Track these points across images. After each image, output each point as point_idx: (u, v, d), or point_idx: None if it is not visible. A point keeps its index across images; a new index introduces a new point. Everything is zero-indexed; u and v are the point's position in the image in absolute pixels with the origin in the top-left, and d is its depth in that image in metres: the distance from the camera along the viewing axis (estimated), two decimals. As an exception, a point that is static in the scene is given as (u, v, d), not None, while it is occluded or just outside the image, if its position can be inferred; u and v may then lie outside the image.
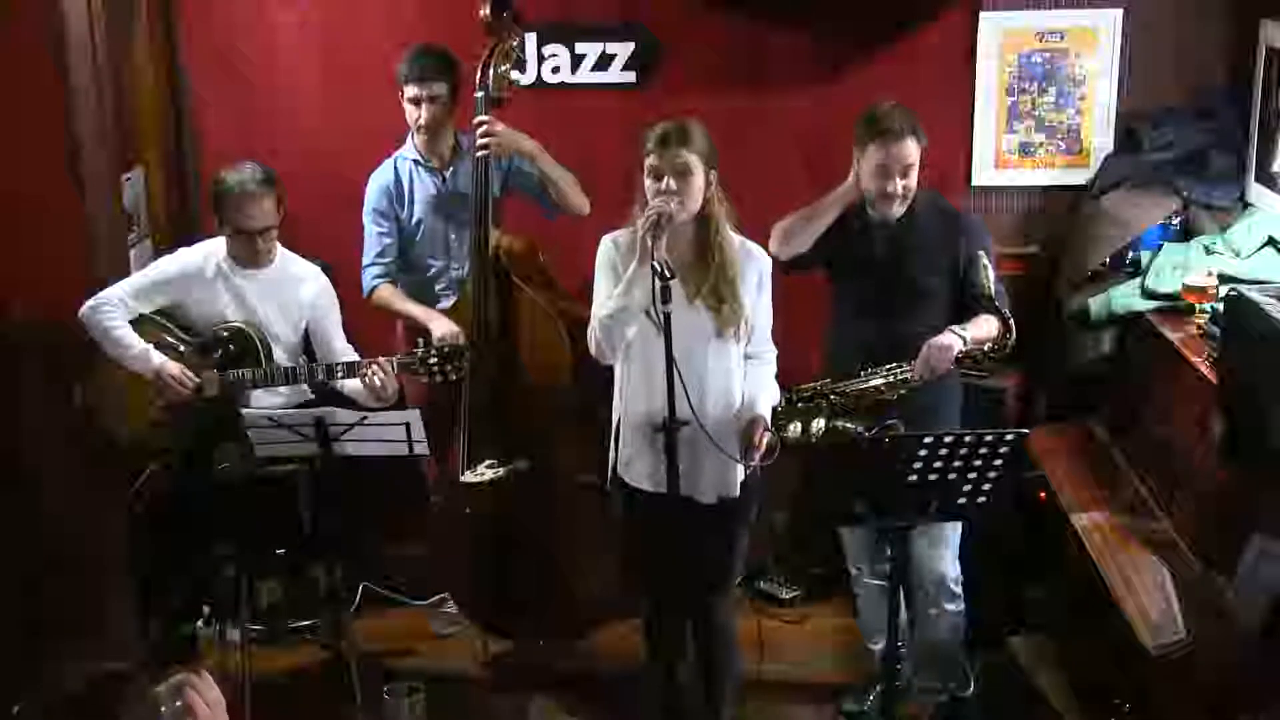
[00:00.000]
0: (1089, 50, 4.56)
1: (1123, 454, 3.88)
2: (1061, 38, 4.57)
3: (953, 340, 3.54)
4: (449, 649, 4.45)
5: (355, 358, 4.02)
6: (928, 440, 3.00)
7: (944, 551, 3.79)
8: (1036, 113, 4.64)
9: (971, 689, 4.06)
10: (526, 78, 4.63)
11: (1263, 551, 2.97)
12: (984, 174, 4.69)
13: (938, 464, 3.01)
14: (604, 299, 3.35)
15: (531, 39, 4.63)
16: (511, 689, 4.18)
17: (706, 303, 3.35)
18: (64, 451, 4.10)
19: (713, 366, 3.37)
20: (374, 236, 4.24)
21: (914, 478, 3.02)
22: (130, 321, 3.91)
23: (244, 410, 3.77)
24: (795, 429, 3.53)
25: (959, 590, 3.84)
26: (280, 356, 4.00)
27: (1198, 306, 3.73)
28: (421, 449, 3.68)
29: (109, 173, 4.29)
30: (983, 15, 4.57)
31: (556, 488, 4.16)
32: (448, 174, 4.25)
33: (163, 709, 2.15)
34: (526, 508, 4.16)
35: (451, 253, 4.27)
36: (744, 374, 3.44)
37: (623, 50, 4.70)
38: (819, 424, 3.65)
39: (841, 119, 4.16)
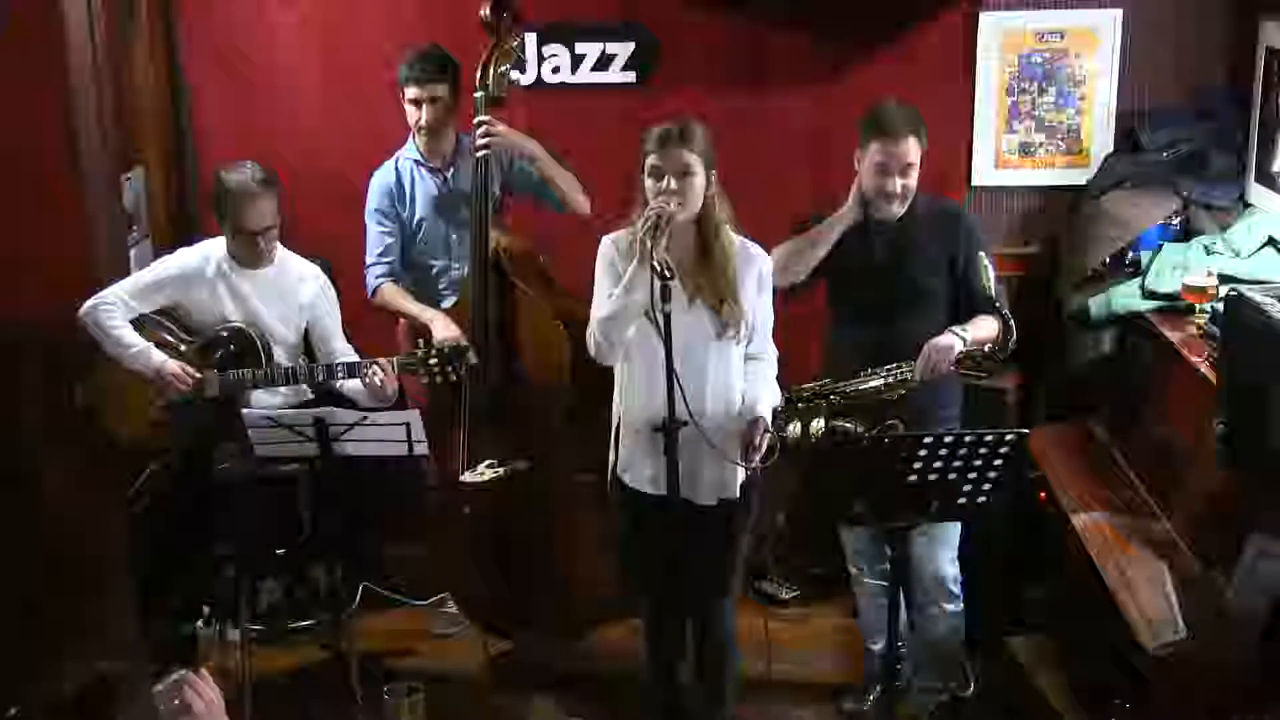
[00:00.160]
0: (1089, 50, 4.56)
1: (1123, 454, 3.88)
2: (1061, 38, 4.57)
3: (953, 341, 3.54)
4: (449, 649, 4.45)
5: (355, 358, 4.02)
6: (928, 440, 3.00)
7: (944, 551, 3.79)
8: (1036, 113, 4.64)
9: (971, 689, 4.06)
10: (526, 78, 4.64)
11: (1262, 551, 2.97)
12: (984, 174, 4.69)
13: (938, 464, 3.01)
14: (604, 299, 3.35)
15: (531, 39, 4.64)
16: (511, 689, 4.18)
17: (706, 303, 3.35)
18: (64, 451, 4.10)
19: (713, 367, 3.37)
20: (376, 236, 4.25)
21: (914, 478, 3.02)
22: (130, 321, 3.91)
23: (244, 410, 3.76)
24: (795, 429, 3.53)
25: (959, 590, 3.84)
26: (280, 356, 4.00)
27: (1198, 306, 3.73)
28: (421, 449, 3.67)
29: (109, 173, 4.29)
30: (983, 15, 4.57)
31: (556, 488, 4.16)
32: (449, 174, 4.25)
33: (161, 707, 2.15)
34: (526, 508, 4.16)
35: (452, 252, 4.27)
36: (745, 375, 3.44)
37: (623, 50, 4.70)
38: (819, 424, 3.64)
39: (841, 119, 4.17)
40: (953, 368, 3.57)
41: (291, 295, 4.04)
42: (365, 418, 3.66)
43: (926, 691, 4.00)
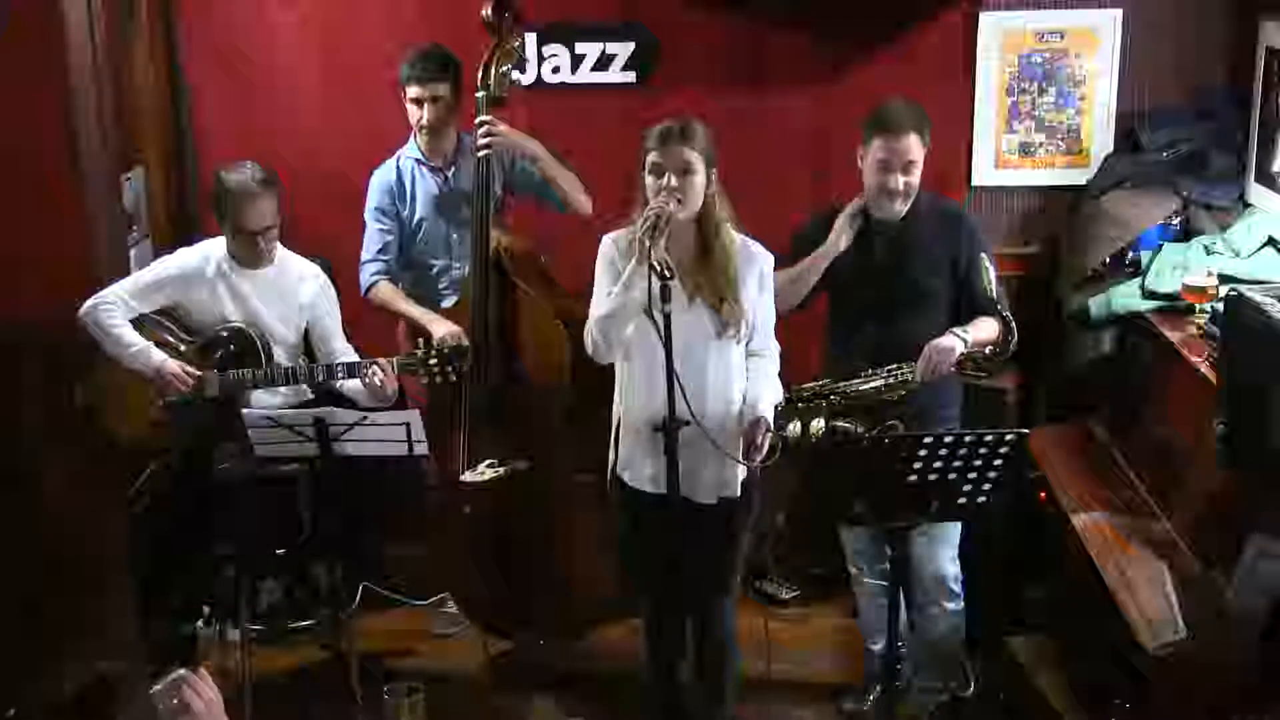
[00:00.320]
0: (1089, 50, 4.56)
1: (1123, 454, 3.88)
2: (1061, 38, 4.57)
3: (954, 342, 3.54)
4: (449, 649, 4.45)
5: (355, 358, 4.02)
6: (928, 440, 3.00)
7: (944, 551, 3.79)
8: (1036, 113, 4.64)
9: (971, 689, 4.06)
10: (527, 78, 4.64)
11: (1262, 551, 2.97)
12: (984, 174, 4.69)
13: (938, 464, 3.01)
14: (603, 298, 3.34)
15: (531, 39, 4.63)
16: (511, 689, 4.18)
17: (706, 302, 3.35)
18: (64, 451, 4.10)
19: (713, 366, 3.37)
20: (375, 234, 4.25)
21: (914, 478, 3.02)
22: (130, 321, 3.91)
23: (244, 410, 3.76)
24: (795, 429, 3.53)
25: (959, 590, 3.84)
26: (280, 356, 4.00)
27: (1198, 306, 3.73)
28: (421, 449, 3.67)
29: (109, 173, 4.29)
30: (983, 15, 4.57)
31: (556, 487, 4.16)
32: (450, 174, 4.25)
33: (160, 706, 2.15)
34: (526, 507, 4.16)
35: (453, 252, 4.28)
36: (746, 373, 3.44)
37: (623, 50, 4.70)
38: (819, 424, 3.64)
39: (841, 119, 4.18)
40: (953, 369, 3.57)
41: (291, 295, 4.04)
42: (365, 418, 3.66)
43: (926, 691, 4.00)
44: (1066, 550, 3.74)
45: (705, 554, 3.43)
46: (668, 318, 3.13)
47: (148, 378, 3.87)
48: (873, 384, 3.64)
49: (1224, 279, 3.77)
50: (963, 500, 3.10)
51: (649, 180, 3.29)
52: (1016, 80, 4.62)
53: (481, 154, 4.04)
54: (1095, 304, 4.15)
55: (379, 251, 4.24)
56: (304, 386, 4.07)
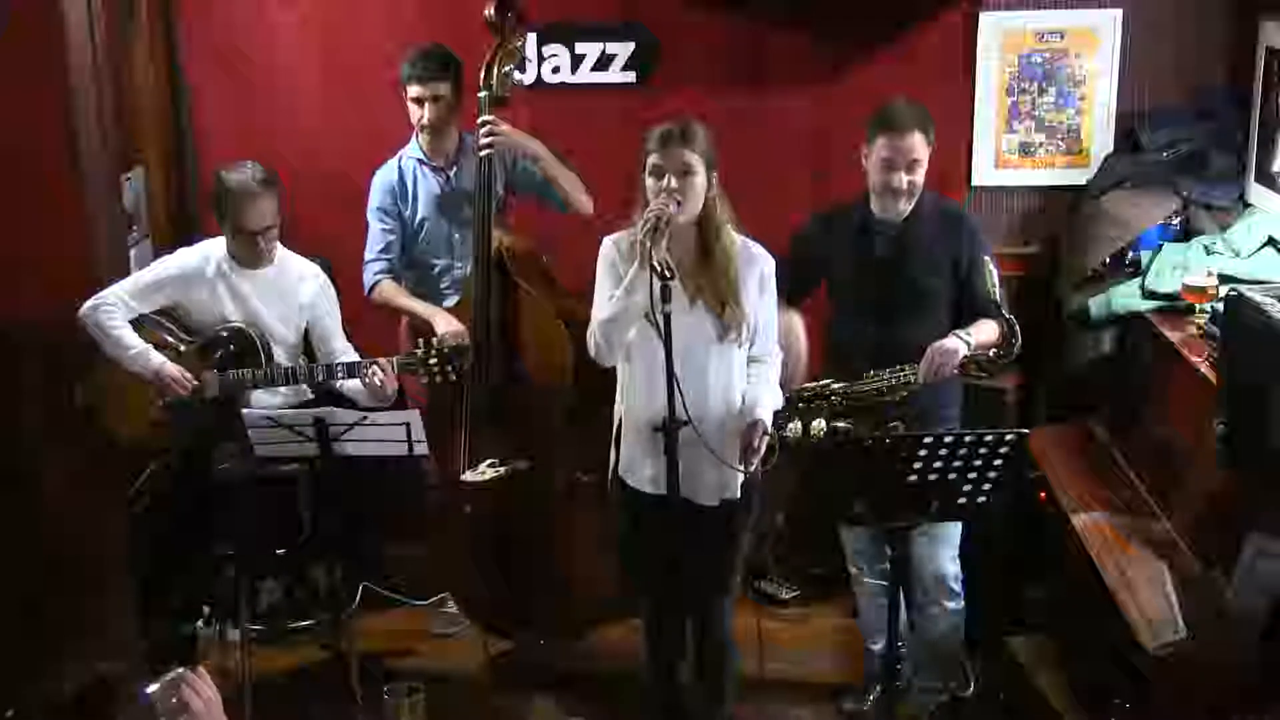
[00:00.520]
0: (1089, 50, 4.56)
1: (1123, 454, 3.88)
2: (1061, 38, 4.57)
3: (957, 345, 3.54)
4: (449, 649, 4.45)
5: (355, 358, 4.02)
6: (928, 440, 3.00)
7: (944, 550, 3.79)
8: (1036, 113, 4.64)
9: (971, 689, 4.06)
10: (527, 77, 4.64)
11: (1261, 551, 2.97)
12: (984, 174, 4.69)
13: (938, 464, 3.01)
14: (604, 301, 3.34)
15: (531, 39, 4.63)
16: (511, 689, 4.18)
17: (708, 305, 3.35)
18: (64, 451, 4.10)
19: (713, 369, 3.36)
20: (377, 233, 4.25)
21: (914, 478, 3.02)
22: (130, 322, 3.90)
23: (244, 410, 3.76)
24: (795, 429, 3.53)
25: (959, 589, 3.84)
26: (280, 356, 4.00)
27: (1198, 306, 3.73)
28: (421, 449, 3.67)
29: (109, 173, 4.29)
30: (983, 15, 4.57)
31: (557, 487, 4.16)
32: (451, 173, 4.25)
33: (158, 706, 2.15)
34: (527, 507, 4.16)
35: (454, 252, 4.28)
36: (747, 377, 3.43)
37: (623, 50, 4.70)
38: (819, 424, 3.64)
39: (841, 119, 4.18)
40: (956, 371, 3.57)
41: (291, 295, 4.04)
42: (365, 418, 3.66)
43: (926, 691, 4.00)
44: (1066, 550, 3.74)
45: (705, 554, 3.43)
46: (668, 319, 3.12)
47: (147, 380, 3.87)
48: (875, 385, 3.64)
49: (1224, 279, 3.77)
50: (963, 500, 3.10)
51: (649, 182, 3.29)
52: (1016, 80, 4.62)
53: (483, 154, 4.04)
54: (1095, 304, 4.15)
55: (382, 250, 4.24)
56: (304, 386, 4.07)
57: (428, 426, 3.65)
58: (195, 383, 3.86)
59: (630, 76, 4.72)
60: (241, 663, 4.00)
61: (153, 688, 2.17)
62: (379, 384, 3.82)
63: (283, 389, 4.02)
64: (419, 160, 4.26)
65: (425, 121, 4.17)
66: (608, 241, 3.42)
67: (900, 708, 3.87)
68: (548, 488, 4.15)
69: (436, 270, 4.30)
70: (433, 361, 3.83)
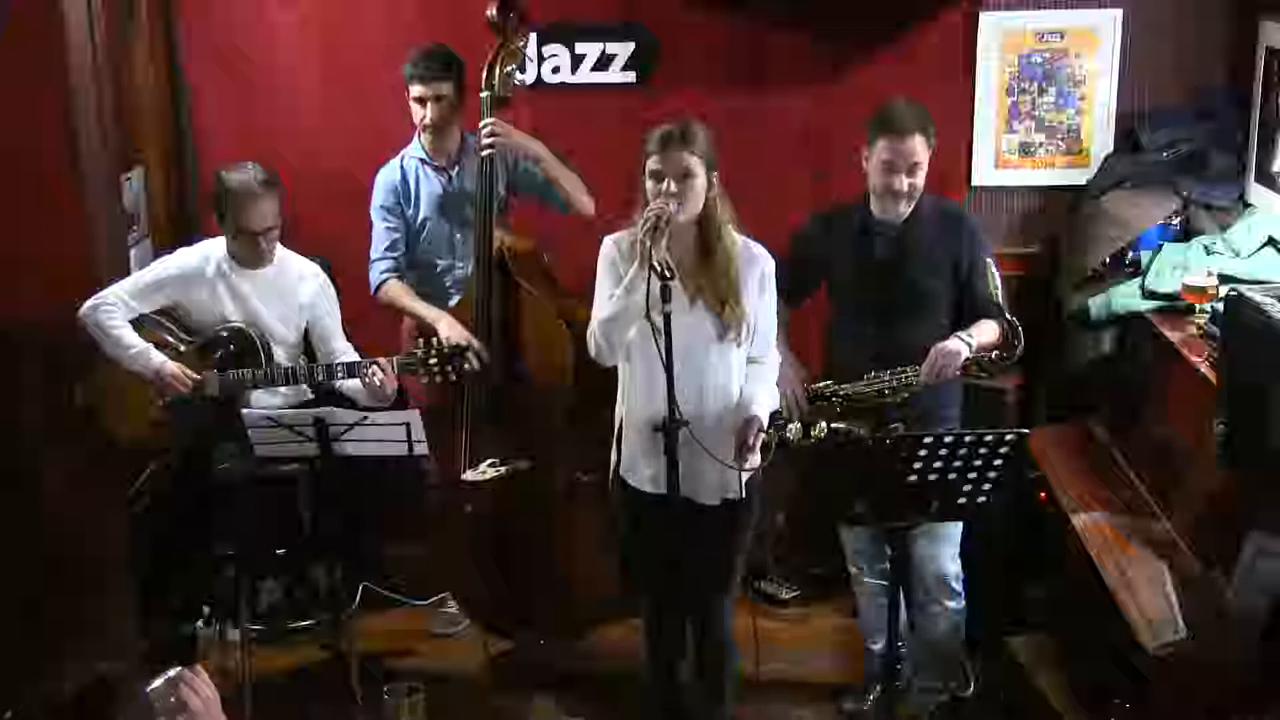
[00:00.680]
0: (1089, 50, 4.56)
1: (1123, 454, 3.88)
2: (1061, 38, 4.57)
3: (960, 346, 3.54)
4: (449, 649, 4.45)
5: (355, 357, 4.02)
6: (928, 440, 3.00)
7: (944, 550, 3.79)
8: (1036, 113, 4.64)
9: (971, 689, 4.06)
10: (527, 77, 4.64)
11: (1261, 550, 2.96)
12: (984, 174, 4.69)
13: (938, 464, 3.01)
14: (605, 300, 3.34)
15: (531, 39, 4.62)
16: (511, 689, 4.18)
17: (708, 305, 3.35)
18: (64, 451, 4.10)
19: (713, 369, 3.36)
20: (382, 232, 4.25)
21: (914, 478, 3.02)
22: (130, 322, 3.91)
23: (244, 410, 3.76)
24: (796, 429, 3.53)
25: (959, 589, 3.84)
26: (280, 356, 4.00)
27: (1198, 306, 3.73)
28: (421, 449, 3.67)
29: (109, 173, 4.29)
30: (983, 15, 4.57)
31: (557, 487, 4.16)
32: (453, 173, 4.26)
33: (157, 705, 2.15)
34: (527, 507, 4.16)
35: (456, 251, 4.28)
36: (745, 376, 3.43)
37: (623, 50, 4.70)
38: (820, 425, 3.64)
39: (841, 119, 4.18)
40: (959, 372, 3.57)
41: (291, 295, 4.04)
42: (365, 418, 3.66)
43: (926, 691, 4.00)
44: (1066, 550, 3.74)
45: (706, 554, 3.43)
46: (668, 318, 3.13)
47: (147, 379, 3.87)
48: (876, 386, 3.64)
49: (1224, 279, 3.77)
50: (963, 500, 3.10)
51: (649, 185, 3.29)
52: (1016, 80, 4.62)
53: (485, 154, 4.05)
54: (1095, 304, 4.15)
55: (387, 249, 4.24)
56: (304, 386, 4.07)
57: (429, 426, 3.65)
58: (196, 378, 3.86)
59: (630, 76, 4.72)
60: (241, 663, 4.00)
61: (152, 687, 2.17)
62: (379, 384, 3.82)
63: (283, 389, 4.02)
64: (421, 160, 4.26)
65: (427, 121, 4.17)
66: (608, 241, 3.42)
67: (900, 708, 3.87)
68: (548, 487, 4.16)
69: (438, 270, 4.30)
70: (433, 361, 3.83)
